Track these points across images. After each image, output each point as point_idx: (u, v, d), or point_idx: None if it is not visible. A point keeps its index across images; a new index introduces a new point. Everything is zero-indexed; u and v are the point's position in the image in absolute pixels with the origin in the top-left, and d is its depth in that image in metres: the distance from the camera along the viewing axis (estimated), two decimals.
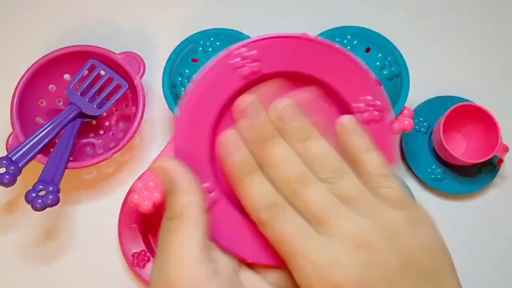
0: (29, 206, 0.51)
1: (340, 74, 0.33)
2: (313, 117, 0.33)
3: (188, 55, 0.56)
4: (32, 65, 0.59)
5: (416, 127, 0.64)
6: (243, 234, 0.32)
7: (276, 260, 0.31)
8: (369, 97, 0.33)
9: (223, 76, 0.32)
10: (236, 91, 0.33)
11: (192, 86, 0.32)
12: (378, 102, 0.34)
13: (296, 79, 0.33)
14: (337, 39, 0.55)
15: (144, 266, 0.57)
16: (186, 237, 0.29)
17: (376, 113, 0.34)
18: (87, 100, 0.60)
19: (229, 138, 0.31)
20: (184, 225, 0.29)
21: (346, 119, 0.32)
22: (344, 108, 0.34)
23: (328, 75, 0.33)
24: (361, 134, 0.32)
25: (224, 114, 0.33)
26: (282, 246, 0.30)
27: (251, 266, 0.32)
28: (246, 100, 0.32)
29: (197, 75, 0.32)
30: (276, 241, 0.30)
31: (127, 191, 0.59)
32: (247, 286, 0.30)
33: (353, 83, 0.33)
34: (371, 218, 0.29)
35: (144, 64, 0.60)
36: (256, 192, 0.30)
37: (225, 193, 0.32)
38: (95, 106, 0.60)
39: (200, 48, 0.56)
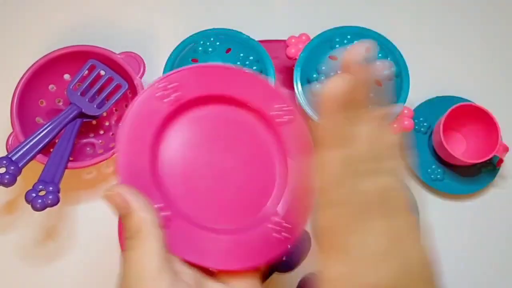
0: (29, 206, 0.51)
1: (251, 91, 0.39)
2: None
3: (188, 55, 0.56)
4: (32, 65, 0.59)
5: (416, 127, 0.65)
6: (204, 245, 0.35)
7: (240, 264, 0.34)
8: (278, 105, 0.39)
9: (152, 106, 0.37)
10: (166, 116, 0.37)
11: (123, 121, 0.36)
12: (287, 107, 0.39)
13: (216, 101, 0.39)
14: (337, 39, 0.55)
15: None
16: (145, 250, 0.31)
17: (288, 116, 0.39)
18: (87, 100, 0.60)
19: (332, 95, 0.31)
20: (142, 240, 0.31)
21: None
22: (262, 117, 0.39)
23: (243, 93, 0.39)
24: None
25: (160, 140, 0.37)
26: (322, 237, 0.30)
27: (215, 277, 0.34)
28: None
29: (127, 112, 0.36)
30: (319, 230, 0.31)
31: None
32: None
33: (263, 96, 0.39)
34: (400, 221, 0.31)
35: (144, 64, 0.60)
36: (333, 169, 0.30)
37: (178, 211, 0.35)
38: (95, 106, 0.60)
39: (200, 48, 0.56)
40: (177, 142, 0.38)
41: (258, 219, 0.37)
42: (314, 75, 0.54)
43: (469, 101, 0.65)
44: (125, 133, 0.36)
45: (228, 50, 0.55)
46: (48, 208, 0.52)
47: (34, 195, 0.52)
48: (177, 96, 0.37)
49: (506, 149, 0.60)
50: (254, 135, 0.39)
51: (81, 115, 0.60)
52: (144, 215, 0.32)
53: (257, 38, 0.58)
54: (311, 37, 0.57)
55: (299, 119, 0.39)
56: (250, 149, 0.39)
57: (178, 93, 0.37)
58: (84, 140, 0.63)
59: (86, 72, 0.60)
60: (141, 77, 0.59)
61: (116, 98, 0.60)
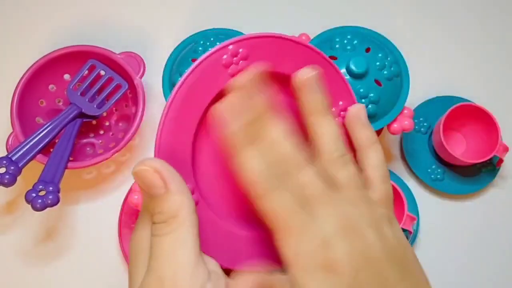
0: (29, 206, 0.51)
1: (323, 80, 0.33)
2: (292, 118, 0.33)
3: (188, 55, 0.56)
4: (32, 65, 0.59)
5: (416, 127, 0.65)
6: (219, 239, 0.32)
7: (250, 265, 0.31)
8: (341, 103, 0.35)
9: (211, 74, 0.32)
10: (221, 90, 0.32)
11: (180, 82, 0.31)
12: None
13: (279, 79, 0.33)
14: (337, 39, 0.55)
15: None
16: (181, 240, 0.28)
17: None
18: (87, 100, 0.60)
19: (227, 107, 0.29)
20: (179, 227, 0.28)
21: (357, 107, 0.34)
22: None
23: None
24: (368, 127, 0.34)
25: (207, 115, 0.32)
26: (276, 219, 0.29)
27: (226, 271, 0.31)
28: (244, 77, 0.31)
29: (186, 71, 0.32)
30: (270, 214, 0.29)
31: (127, 191, 0.59)
32: None
33: (332, 89, 0.33)
34: (359, 209, 0.30)
35: (144, 64, 0.60)
36: (256, 164, 0.29)
37: (202, 195, 0.32)
38: (95, 106, 0.60)
39: (200, 48, 0.55)
40: None
41: None
42: None
43: (469, 101, 0.65)
44: (178, 99, 0.31)
45: None
46: (48, 208, 0.52)
47: (34, 195, 0.52)
48: (243, 65, 0.32)
49: (506, 149, 0.60)
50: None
51: (81, 115, 0.60)
52: (182, 199, 0.28)
53: None
54: (311, 37, 0.57)
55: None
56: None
57: (244, 62, 0.32)
58: (84, 140, 0.63)
59: (86, 72, 0.60)
60: (141, 77, 0.59)
61: (116, 98, 0.60)
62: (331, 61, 0.34)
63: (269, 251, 0.32)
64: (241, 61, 0.32)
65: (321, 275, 0.27)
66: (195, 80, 0.31)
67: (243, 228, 0.33)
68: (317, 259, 0.28)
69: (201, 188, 0.32)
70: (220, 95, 0.31)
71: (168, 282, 0.27)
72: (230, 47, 0.32)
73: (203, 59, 0.32)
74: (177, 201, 0.28)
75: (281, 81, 0.33)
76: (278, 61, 0.33)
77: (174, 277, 0.27)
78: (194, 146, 0.32)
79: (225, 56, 0.32)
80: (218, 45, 0.32)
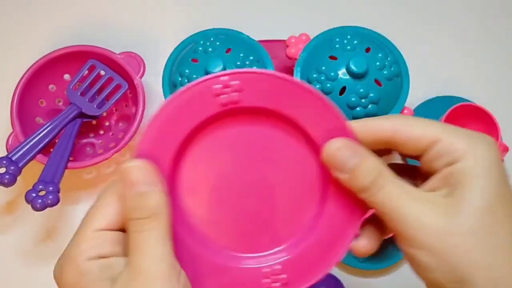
0: (29, 206, 0.51)
1: (315, 119, 0.33)
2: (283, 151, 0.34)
3: (188, 55, 0.56)
4: (32, 65, 0.59)
5: None
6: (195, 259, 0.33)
7: None
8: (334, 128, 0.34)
9: (202, 99, 0.32)
10: (210, 116, 0.33)
11: (170, 98, 0.32)
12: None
13: (270, 115, 0.33)
14: (337, 39, 0.55)
15: None
16: (163, 235, 0.29)
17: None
18: (87, 100, 0.60)
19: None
20: (159, 223, 0.29)
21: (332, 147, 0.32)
22: (313, 147, 0.33)
23: (304, 118, 0.33)
24: (344, 169, 0.32)
25: (193, 136, 0.33)
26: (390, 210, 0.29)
27: None
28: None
29: (177, 90, 0.32)
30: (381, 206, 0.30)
31: None
32: None
33: (326, 127, 0.33)
34: None
35: (144, 64, 0.60)
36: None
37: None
38: (95, 106, 0.60)
39: (200, 48, 0.55)
40: (212, 148, 0.33)
41: (257, 259, 0.34)
42: (314, 75, 0.54)
43: (469, 101, 0.65)
44: (166, 111, 0.32)
45: (228, 50, 0.55)
46: (48, 208, 0.52)
47: (34, 195, 0.52)
48: (235, 97, 0.33)
49: (506, 149, 0.60)
50: (298, 159, 0.34)
51: (81, 115, 0.60)
52: (163, 196, 0.30)
53: (257, 38, 0.58)
54: (311, 37, 0.57)
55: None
56: (289, 175, 0.34)
57: (237, 94, 0.32)
58: (84, 140, 0.63)
59: (86, 72, 0.60)
60: (141, 77, 0.59)
61: (116, 98, 0.60)
62: (326, 98, 0.33)
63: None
64: (234, 93, 0.32)
65: None
66: (186, 101, 0.32)
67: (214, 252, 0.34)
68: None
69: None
70: (207, 121, 0.33)
71: (150, 276, 0.28)
72: (225, 78, 0.32)
73: (197, 83, 0.32)
74: (162, 198, 0.30)
75: (276, 117, 0.33)
76: (273, 97, 0.33)
77: (155, 271, 0.28)
78: (174, 168, 0.33)
79: (218, 86, 0.32)
80: (214, 74, 0.32)
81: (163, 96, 0.56)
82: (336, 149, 0.31)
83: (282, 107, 0.33)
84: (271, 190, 0.34)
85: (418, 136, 0.30)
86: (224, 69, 0.53)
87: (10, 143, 0.57)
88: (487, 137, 0.30)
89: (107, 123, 0.64)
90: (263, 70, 0.33)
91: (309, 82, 0.55)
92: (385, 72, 0.54)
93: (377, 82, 0.54)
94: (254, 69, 0.34)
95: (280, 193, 0.34)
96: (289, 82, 0.33)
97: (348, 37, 0.55)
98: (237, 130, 0.33)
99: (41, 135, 0.56)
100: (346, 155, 0.31)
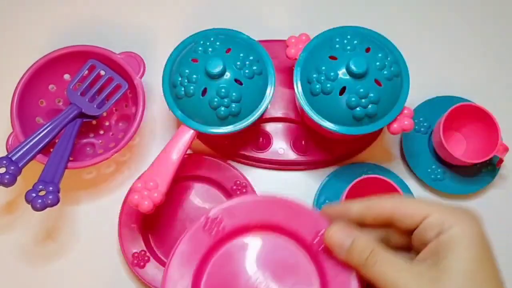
0: (29, 206, 0.51)
1: (294, 221, 0.40)
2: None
3: (188, 55, 0.56)
4: (32, 65, 0.59)
5: (416, 127, 0.64)
6: None
7: None
8: (321, 231, 0.40)
9: (199, 239, 0.40)
10: (211, 246, 0.40)
11: (173, 252, 0.40)
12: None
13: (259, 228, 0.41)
14: (337, 39, 0.55)
15: (144, 266, 0.57)
16: None
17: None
18: (87, 100, 0.60)
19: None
20: None
21: (329, 235, 0.38)
22: (304, 245, 0.40)
23: (285, 221, 0.40)
24: (342, 253, 0.37)
25: (205, 268, 0.40)
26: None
27: None
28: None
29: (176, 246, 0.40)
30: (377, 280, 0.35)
31: (127, 191, 0.59)
32: None
33: (305, 225, 0.40)
34: None
35: (144, 64, 0.60)
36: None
37: None
38: (95, 106, 0.60)
39: (200, 48, 0.55)
40: (220, 270, 0.40)
41: None
42: (314, 75, 0.54)
43: (469, 101, 0.65)
44: (174, 264, 0.40)
45: (228, 50, 0.55)
46: (48, 208, 0.52)
47: (34, 195, 0.52)
48: (222, 227, 0.41)
49: (506, 149, 0.60)
50: (295, 264, 0.40)
51: (81, 115, 0.60)
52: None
53: (257, 38, 0.58)
54: (311, 37, 0.57)
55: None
56: (290, 278, 0.40)
57: (222, 224, 0.41)
58: (84, 140, 0.63)
59: (86, 72, 0.60)
60: (141, 77, 0.59)
61: (116, 98, 0.60)
62: (303, 205, 0.41)
63: None
64: (222, 224, 0.41)
65: None
66: (187, 245, 0.40)
67: None
68: None
69: None
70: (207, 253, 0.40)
71: None
72: (209, 219, 0.41)
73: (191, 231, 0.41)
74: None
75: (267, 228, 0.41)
76: (254, 216, 0.41)
77: None
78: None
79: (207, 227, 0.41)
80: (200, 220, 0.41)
81: (163, 96, 0.56)
82: (333, 232, 0.37)
83: (265, 219, 0.41)
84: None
85: (411, 214, 0.36)
86: (224, 69, 0.53)
87: (10, 143, 0.57)
88: (470, 212, 0.35)
89: (107, 123, 0.64)
90: (240, 199, 0.43)
91: (309, 82, 0.55)
92: (385, 72, 0.54)
93: (377, 82, 0.53)
94: (234, 199, 0.42)
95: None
96: (266, 200, 0.41)
97: (348, 37, 0.55)
98: (238, 247, 0.41)
99: (41, 135, 0.56)
100: (340, 237, 0.37)
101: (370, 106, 0.53)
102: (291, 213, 0.41)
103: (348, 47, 0.54)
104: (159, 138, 0.65)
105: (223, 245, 0.40)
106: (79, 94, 0.60)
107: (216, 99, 0.53)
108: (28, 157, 0.54)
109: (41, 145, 0.55)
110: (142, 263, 0.57)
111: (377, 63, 0.53)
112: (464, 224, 0.34)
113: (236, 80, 0.54)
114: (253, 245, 0.41)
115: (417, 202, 0.37)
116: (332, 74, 0.53)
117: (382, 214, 0.37)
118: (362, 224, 0.38)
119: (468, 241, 0.33)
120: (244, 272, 0.40)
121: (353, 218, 0.38)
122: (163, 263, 0.58)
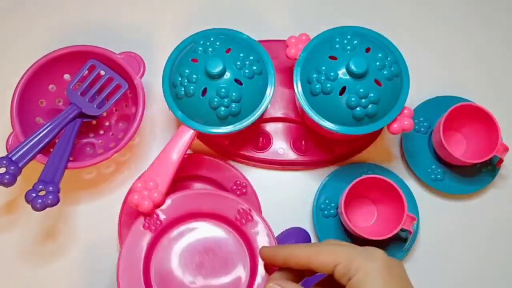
0: (29, 206, 0.51)
1: (218, 206, 0.52)
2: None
3: (188, 55, 0.56)
4: (32, 65, 0.59)
5: (416, 127, 0.64)
6: None
7: None
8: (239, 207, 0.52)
9: (140, 236, 0.50)
10: (151, 240, 0.50)
11: (120, 253, 0.50)
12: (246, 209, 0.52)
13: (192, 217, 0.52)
14: (337, 39, 0.55)
15: None
16: None
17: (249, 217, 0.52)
18: (87, 100, 0.60)
19: None
20: None
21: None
22: (229, 223, 0.52)
23: (211, 207, 0.52)
24: None
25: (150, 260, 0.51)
26: None
27: None
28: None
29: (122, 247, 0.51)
30: None
31: (127, 191, 0.59)
32: None
33: (226, 207, 0.52)
34: None
35: (144, 64, 0.60)
36: None
37: None
38: (95, 106, 0.60)
39: (200, 48, 0.55)
40: (164, 259, 0.50)
41: None
42: (314, 75, 0.54)
43: (469, 101, 0.65)
44: (121, 263, 0.50)
45: (228, 50, 0.55)
46: (48, 208, 0.52)
47: (34, 195, 0.52)
48: (159, 222, 0.51)
49: (506, 149, 0.60)
50: (226, 239, 0.51)
51: (81, 115, 0.60)
52: None
53: (257, 38, 0.58)
54: (311, 37, 0.57)
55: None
56: (223, 251, 0.51)
57: (158, 220, 0.51)
58: (84, 140, 0.63)
59: (86, 72, 0.60)
60: (141, 77, 0.59)
61: (116, 98, 0.60)
62: (222, 192, 0.55)
63: None
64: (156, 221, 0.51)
65: None
66: (130, 243, 0.51)
67: None
68: None
69: None
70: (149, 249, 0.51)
71: None
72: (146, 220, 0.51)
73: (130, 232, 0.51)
74: None
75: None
76: (189, 207, 0.52)
77: None
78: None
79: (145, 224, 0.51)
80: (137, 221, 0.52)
81: (163, 96, 0.56)
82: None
83: (194, 208, 0.52)
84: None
85: (324, 264, 0.40)
86: (224, 69, 0.53)
87: (10, 143, 0.57)
88: (373, 251, 0.40)
89: (107, 123, 0.64)
90: (170, 196, 0.52)
91: (309, 82, 0.55)
92: (385, 72, 0.54)
93: (377, 82, 0.53)
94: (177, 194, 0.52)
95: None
96: (190, 194, 0.53)
97: (348, 37, 0.55)
98: (176, 236, 0.51)
99: (41, 135, 0.56)
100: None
101: (370, 106, 0.53)
102: (214, 200, 0.52)
103: (348, 47, 0.54)
104: (159, 138, 0.65)
105: (163, 236, 0.51)
106: (79, 94, 0.60)
107: (216, 99, 0.53)
108: (28, 157, 0.54)
109: (41, 145, 0.55)
110: None
111: (377, 63, 0.53)
112: (367, 265, 0.38)
113: (236, 80, 0.54)
114: (189, 231, 0.51)
115: (326, 252, 0.40)
116: (332, 74, 0.53)
117: (299, 263, 0.41)
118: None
119: (373, 280, 0.38)
120: (185, 255, 0.50)
121: (280, 264, 0.43)
122: None
